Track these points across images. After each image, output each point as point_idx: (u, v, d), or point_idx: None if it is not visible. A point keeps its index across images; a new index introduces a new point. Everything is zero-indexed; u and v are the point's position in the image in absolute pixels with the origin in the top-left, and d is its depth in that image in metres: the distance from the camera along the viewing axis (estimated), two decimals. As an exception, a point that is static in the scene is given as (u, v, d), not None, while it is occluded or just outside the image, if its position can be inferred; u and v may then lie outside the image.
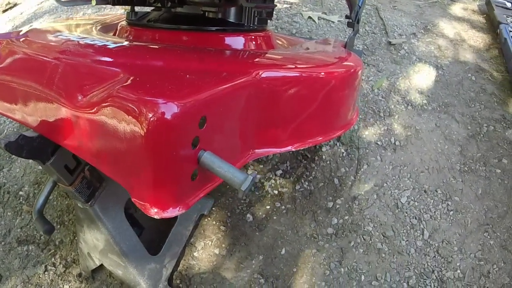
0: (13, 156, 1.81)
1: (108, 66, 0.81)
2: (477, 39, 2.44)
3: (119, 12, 2.61)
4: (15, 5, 3.29)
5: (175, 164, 0.64)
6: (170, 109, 0.59)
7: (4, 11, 3.25)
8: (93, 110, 0.69)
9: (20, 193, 1.68)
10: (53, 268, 1.45)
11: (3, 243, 1.55)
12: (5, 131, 1.94)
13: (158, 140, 0.61)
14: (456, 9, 2.75)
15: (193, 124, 0.64)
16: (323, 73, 0.97)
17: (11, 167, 1.79)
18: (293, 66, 0.94)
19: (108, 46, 0.93)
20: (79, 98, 0.75)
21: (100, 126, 0.68)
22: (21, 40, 1.09)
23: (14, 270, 1.47)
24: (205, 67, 0.82)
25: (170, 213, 0.66)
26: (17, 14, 3.09)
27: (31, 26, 2.75)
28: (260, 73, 0.81)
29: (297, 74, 0.90)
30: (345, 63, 1.13)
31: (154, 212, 0.65)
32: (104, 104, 0.66)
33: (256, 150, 0.89)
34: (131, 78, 0.71)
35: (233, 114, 0.77)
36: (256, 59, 0.98)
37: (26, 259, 1.49)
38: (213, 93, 0.68)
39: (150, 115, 0.59)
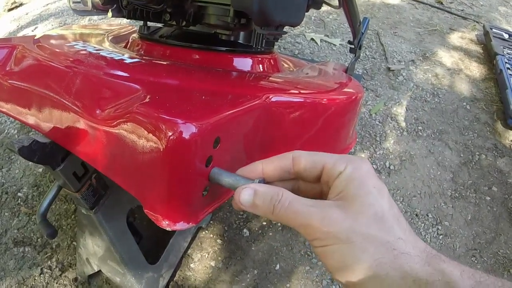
0: (13, 156, 1.84)
1: (126, 81, 0.84)
2: (474, 68, 2.50)
3: (124, 21, 2.64)
4: (21, 4, 3.30)
5: (189, 180, 0.67)
6: (188, 129, 0.63)
7: (10, 10, 3.26)
8: (112, 124, 0.72)
9: (19, 194, 1.70)
10: (49, 271, 1.46)
11: (-2, 243, 1.55)
12: (6, 130, 1.96)
13: (176, 158, 0.64)
14: (455, 38, 2.81)
15: (209, 144, 0.67)
16: (325, 100, 1.00)
17: (10, 167, 1.80)
18: (299, 91, 0.98)
19: (125, 61, 0.97)
20: (98, 110, 0.78)
21: (118, 140, 0.71)
22: (35, 45, 1.11)
23: (9, 270, 1.47)
24: (218, 88, 0.86)
25: (181, 226, 0.69)
26: (23, 14, 3.11)
27: (36, 27, 2.79)
28: (270, 97, 0.84)
29: (302, 100, 0.94)
30: (346, 89, 1.17)
31: (166, 224, 0.68)
32: (124, 119, 0.69)
33: (261, 170, 0.93)
34: (150, 95, 0.74)
35: (243, 135, 0.81)
36: (266, 83, 1.02)
37: (22, 260, 1.50)
38: (227, 115, 0.72)
39: (170, 133, 0.62)
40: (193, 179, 0.68)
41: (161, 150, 0.63)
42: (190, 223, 0.71)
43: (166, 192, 0.68)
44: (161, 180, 0.67)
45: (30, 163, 1.79)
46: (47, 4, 3.19)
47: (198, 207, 0.73)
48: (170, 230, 0.69)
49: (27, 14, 3.10)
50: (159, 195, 0.69)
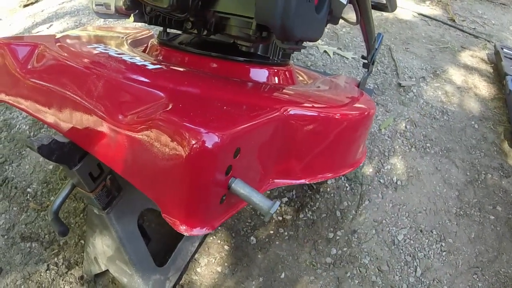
0: (24, 152, 1.86)
1: (149, 88, 0.86)
2: (483, 88, 2.51)
3: (139, 24, 2.66)
4: (37, 1, 3.34)
5: (209, 188, 0.70)
6: (211, 139, 0.65)
7: (25, 6, 3.29)
8: (135, 129, 0.74)
9: (28, 190, 1.71)
10: (55, 267, 1.47)
11: (6, 236, 1.57)
12: (17, 126, 1.97)
13: (197, 166, 0.66)
14: (466, 57, 2.82)
15: (229, 154, 0.70)
16: (339, 115, 1.02)
17: (20, 162, 1.82)
18: (313, 105, 1.00)
19: (147, 67, 0.99)
20: (121, 114, 0.80)
21: (140, 145, 0.73)
22: (57, 45, 1.13)
23: (15, 265, 1.49)
24: (238, 98, 0.88)
25: (198, 231, 0.71)
26: (38, 11, 3.14)
27: (51, 25, 2.82)
28: (288, 110, 0.87)
29: (317, 114, 0.96)
30: (359, 105, 1.19)
31: (183, 229, 0.70)
32: (148, 126, 0.71)
33: (275, 180, 0.95)
34: (173, 103, 0.77)
35: (261, 146, 0.83)
36: (283, 95, 1.04)
37: (28, 255, 1.51)
38: (248, 127, 0.74)
39: (193, 142, 0.64)
40: (212, 187, 0.70)
41: (184, 157, 0.65)
42: (207, 229, 0.73)
43: (185, 198, 0.70)
44: (181, 186, 0.69)
45: (41, 159, 1.80)
46: (63, 2, 3.22)
47: (215, 214, 0.75)
48: (187, 235, 0.71)
49: (42, 11, 3.13)
50: (178, 201, 0.71)
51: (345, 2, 1.26)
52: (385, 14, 3.16)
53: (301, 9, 0.84)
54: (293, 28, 0.85)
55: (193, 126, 0.66)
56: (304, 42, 0.99)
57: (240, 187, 0.72)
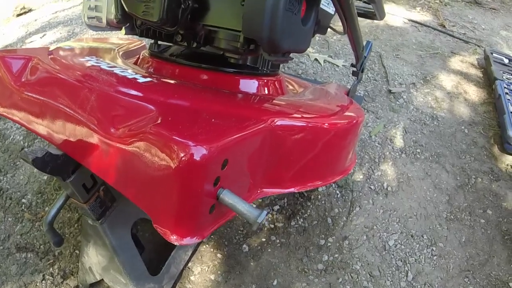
0: (18, 162, 1.87)
1: (139, 101, 0.88)
2: (473, 93, 2.54)
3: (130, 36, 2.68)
4: (30, 10, 3.35)
5: (198, 199, 0.72)
6: (199, 152, 0.67)
7: (18, 15, 3.29)
8: (126, 142, 0.77)
9: (23, 200, 1.72)
10: (50, 277, 1.49)
11: (1, 247, 1.58)
12: (11, 136, 1.98)
13: (186, 177, 0.68)
14: (456, 62, 2.85)
15: (217, 165, 0.72)
16: (327, 124, 1.05)
17: (15, 173, 1.83)
18: (302, 116, 1.02)
19: (138, 80, 1.01)
20: (112, 127, 0.83)
21: (131, 157, 0.75)
22: (50, 58, 1.15)
23: (11, 275, 1.50)
24: (227, 110, 0.90)
25: (188, 241, 0.73)
26: (31, 20, 3.16)
27: (44, 34, 2.83)
28: (275, 121, 0.89)
29: (305, 124, 0.98)
30: (347, 113, 1.21)
31: (174, 239, 0.72)
32: (138, 138, 0.74)
33: (264, 189, 0.97)
34: (163, 117, 0.79)
35: (249, 157, 0.85)
36: (271, 106, 1.06)
37: (24, 266, 1.52)
38: (236, 138, 0.76)
39: (182, 155, 0.66)
40: (201, 198, 0.72)
41: (173, 169, 0.68)
42: (197, 239, 0.75)
43: (175, 209, 0.72)
44: (171, 197, 0.72)
45: (35, 170, 1.81)
46: (56, 12, 3.23)
47: (205, 224, 0.77)
48: (177, 244, 0.73)
49: (35, 20, 3.14)
50: (168, 211, 0.73)
51: (332, 12, 1.28)
52: (375, 21, 3.19)
53: (287, 22, 0.86)
54: (280, 41, 0.87)
55: (181, 140, 0.69)
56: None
57: (228, 197, 0.75)
